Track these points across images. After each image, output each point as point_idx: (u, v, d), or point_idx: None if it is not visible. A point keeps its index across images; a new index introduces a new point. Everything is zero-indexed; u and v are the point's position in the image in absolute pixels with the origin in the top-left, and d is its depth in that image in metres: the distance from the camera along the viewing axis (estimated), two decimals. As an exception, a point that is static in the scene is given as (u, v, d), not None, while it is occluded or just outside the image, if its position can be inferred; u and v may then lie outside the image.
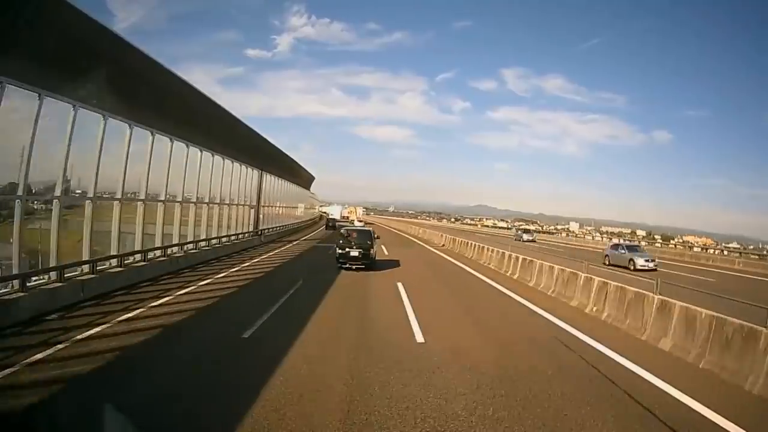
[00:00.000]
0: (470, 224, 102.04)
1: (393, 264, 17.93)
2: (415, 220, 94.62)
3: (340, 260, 15.69)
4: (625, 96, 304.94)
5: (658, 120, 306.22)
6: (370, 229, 19.23)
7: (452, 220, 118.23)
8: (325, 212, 74.66)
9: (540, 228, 77.75)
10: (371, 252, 15.95)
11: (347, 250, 15.72)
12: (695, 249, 38.70)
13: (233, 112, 18.36)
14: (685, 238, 69.45)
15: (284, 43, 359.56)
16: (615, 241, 37.97)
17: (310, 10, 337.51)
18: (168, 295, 9.95)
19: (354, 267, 15.46)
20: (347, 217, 75.81)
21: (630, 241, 40.79)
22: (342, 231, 17.92)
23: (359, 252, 15.59)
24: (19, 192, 8.07)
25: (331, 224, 45.60)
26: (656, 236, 68.02)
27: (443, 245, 29.62)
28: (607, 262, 21.57)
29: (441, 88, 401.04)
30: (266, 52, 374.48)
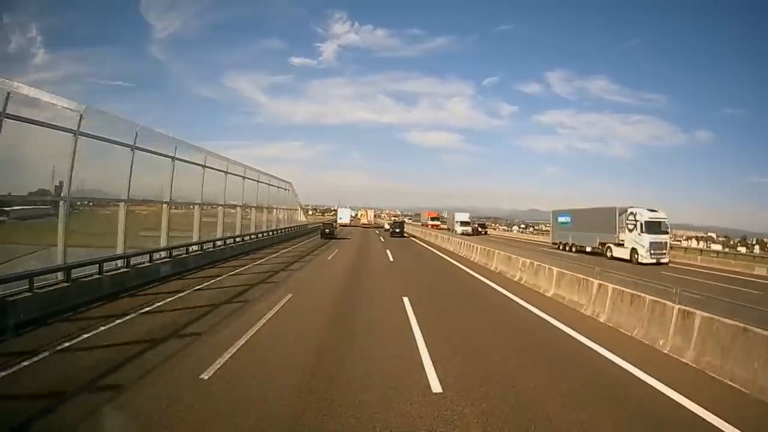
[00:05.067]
0: (546, 230, 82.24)
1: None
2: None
3: (391, 233, 43.24)
4: (666, 95, 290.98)
5: (700, 119, 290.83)
6: (403, 220, 59.08)
7: (521, 226, 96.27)
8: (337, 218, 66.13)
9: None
10: (403, 230, 44.21)
11: (394, 229, 44.03)
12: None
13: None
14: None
15: (329, 51, 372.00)
16: (717, 247, 38.18)
17: (353, 17, 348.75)
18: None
19: (396, 236, 41.20)
20: (359, 219, 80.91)
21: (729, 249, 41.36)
22: (391, 222, 52.11)
23: (399, 230, 43.47)
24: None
25: (329, 231, 36.76)
26: (748, 241, 62.35)
27: None
28: None
29: (488, 92, 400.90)
30: (311, 59, 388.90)
